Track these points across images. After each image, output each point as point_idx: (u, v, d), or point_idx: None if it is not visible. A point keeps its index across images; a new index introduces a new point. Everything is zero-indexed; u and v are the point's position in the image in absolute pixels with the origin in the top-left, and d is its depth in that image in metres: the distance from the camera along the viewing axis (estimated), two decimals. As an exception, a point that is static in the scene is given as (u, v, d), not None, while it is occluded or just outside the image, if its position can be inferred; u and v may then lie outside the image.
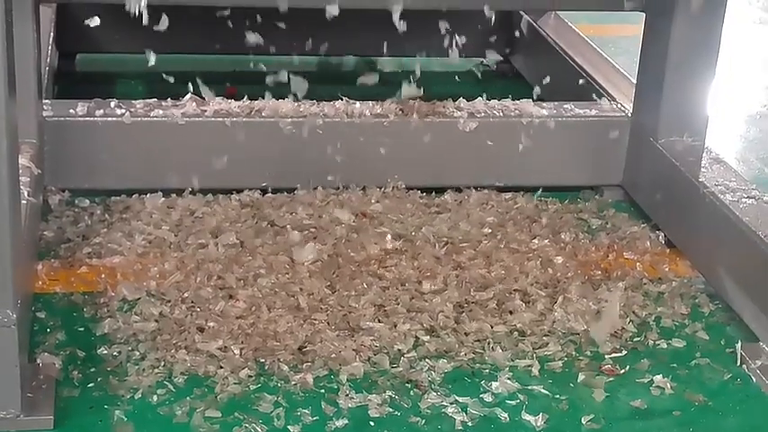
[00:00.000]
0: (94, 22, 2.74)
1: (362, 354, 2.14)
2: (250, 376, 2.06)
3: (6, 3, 1.76)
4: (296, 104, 2.76)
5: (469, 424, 1.99)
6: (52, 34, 3.21)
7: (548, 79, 3.10)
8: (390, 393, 2.04)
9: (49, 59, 3.01)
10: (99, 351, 2.11)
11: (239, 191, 2.73)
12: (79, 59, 3.53)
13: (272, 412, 1.97)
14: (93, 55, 3.56)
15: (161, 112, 2.69)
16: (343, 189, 2.76)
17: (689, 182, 2.57)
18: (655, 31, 2.75)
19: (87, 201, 2.67)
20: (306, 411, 1.98)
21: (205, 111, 2.71)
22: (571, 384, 2.12)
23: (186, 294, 2.30)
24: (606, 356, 2.21)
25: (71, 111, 2.66)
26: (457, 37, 3.46)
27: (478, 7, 2.73)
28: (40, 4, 2.57)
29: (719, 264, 2.43)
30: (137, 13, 2.46)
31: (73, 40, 3.45)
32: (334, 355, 2.13)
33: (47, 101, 2.70)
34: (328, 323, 2.23)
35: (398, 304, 2.30)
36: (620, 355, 2.22)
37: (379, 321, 2.25)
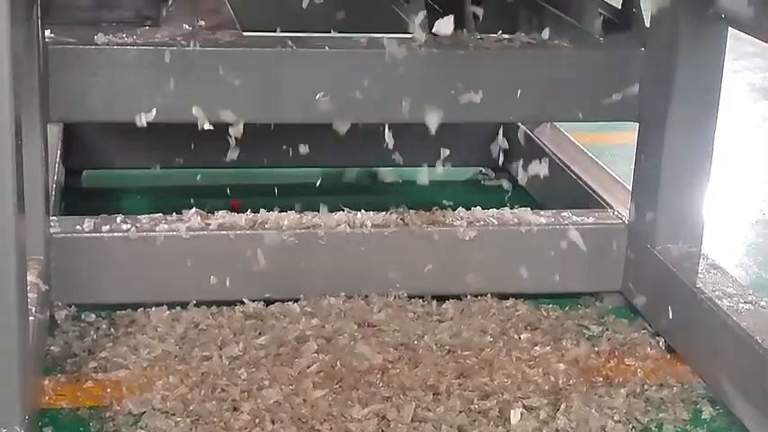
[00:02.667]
0: None
1: (367, 464, 2.16)
2: (255, 489, 2.07)
3: (17, 125, 1.82)
4: (299, 216, 2.81)
5: None
6: (59, 152, 3.28)
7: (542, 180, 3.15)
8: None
9: (56, 176, 3.07)
10: (105, 465, 2.13)
11: (243, 302, 2.77)
12: (86, 176, 3.59)
13: None
14: (100, 171, 3.62)
15: (166, 226, 2.74)
16: (346, 299, 2.80)
17: (686, 288, 2.60)
18: (648, 139, 2.81)
19: (93, 315, 2.70)
20: None
21: (209, 224, 2.76)
22: (574, 492, 2.13)
23: (191, 407, 2.31)
24: (609, 463, 2.22)
25: (78, 227, 2.71)
26: (455, 147, 3.53)
27: (474, 120, 2.80)
28: (48, 123, 2.63)
29: (719, 369, 2.45)
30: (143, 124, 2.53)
31: (79, 156, 3.51)
32: (338, 467, 2.14)
33: (54, 217, 2.75)
34: (332, 434, 2.24)
35: (401, 415, 2.32)
36: (622, 461, 2.23)
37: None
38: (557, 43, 2.85)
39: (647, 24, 2.82)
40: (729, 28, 2.58)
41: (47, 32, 2.61)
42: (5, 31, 1.73)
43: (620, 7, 2.99)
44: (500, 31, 2.88)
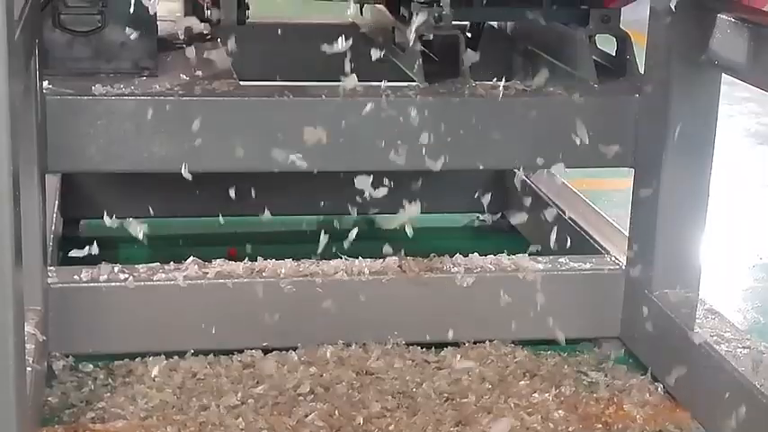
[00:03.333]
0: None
1: None
2: None
3: (14, 176, 1.83)
4: (296, 264, 2.82)
5: None
6: (57, 201, 3.28)
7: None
8: None
9: (54, 226, 3.07)
10: None
11: (241, 351, 2.76)
12: (83, 225, 3.59)
13: None
14: (97, 220, 3.62)
15: (163, 275, 2.74)
16: (344, 347, 2.79)
17: (684, 333, 2.60)
18: (644, 185, 2.82)
19: (91, 365, 2.69)
20: None
21: (207, 273, 2.76)
22: None
23: (189, 457, 2.31)
24: None
25: (75, 277, 2.71)
26: (452, 194, 3.55)
27: (470, 167, 2.81)
28: (46, 173, 2.63)
29: (718, 414, 2.45)
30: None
31: (77, 206, 3.52)
32: None
33: (52, 267, 2.75)
34: (331, 484, 2.24)
35: (400, 463, 2.32)
36: None
37: (382, 481, 2.26)
38: (552, 90, 2.86)
39: (642, 71, 2.85)
40: (723, 74, 2.60)
41: (45, 83, 2.62)
42: (4, 82, 1.74)
43: (614, 54, 3.01)
44: (495, 79, 2.90)
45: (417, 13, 2.83)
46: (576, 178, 3.69)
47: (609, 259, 3.00)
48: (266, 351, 2.77)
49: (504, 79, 2.88)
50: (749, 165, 4.92)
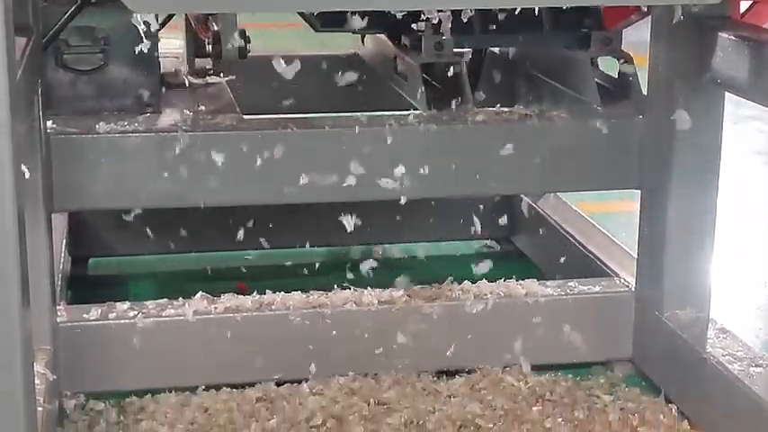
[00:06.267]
0: None
1: None
2: None
3: (20, 216, 1.83)
4: (305, 296, 2.81)
5: None
6: (64, 240, 3.29)
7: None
8: None
9: (61, 265, 3.07)
10: None
11: (252, 385, 2.75)
12: (91, 263, 3.60)
13: None
14: (105, 258, 3.63)
15: (172, 311, 2.74)
16: (355, 377, 2.78)
17: (696, 353, 2.59)
18: (651, 206, 2.81)
19: (102, 403, 2.68)
20: None
21: (216, 308, 2.76)
22: None
23: (202, 493, 2.30)
24: None
25: (84, 315, 2.71)
26: (459, 221, 3.55)
27: (476, 193, 2.81)
28: (52, 212, 2.64)
29: (733, 434, 2.43)
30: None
31: (84, 244, 3.52)
32: None
33: (60, 306, 2.75)
34: None
35: (415, 492, 2.30)
36: None
37: None
38: (555, 114, 2.86)
39: (645, 92, 2.85)
40: (727, 92, 2.60)
41: (48, 123, 2.63)
42: (7, 122, 1.74)
43: (617, 76, 3.01)
44: (498, 105, 2.90)
45: (421, 42, 2.84)
46: (583, 202, 3.68)
47: (618, 282, 2.99)
48: (278, 384, 2.77)
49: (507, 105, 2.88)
50: (757, 183, 4.91)
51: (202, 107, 2.85)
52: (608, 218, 3.79)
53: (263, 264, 3.55)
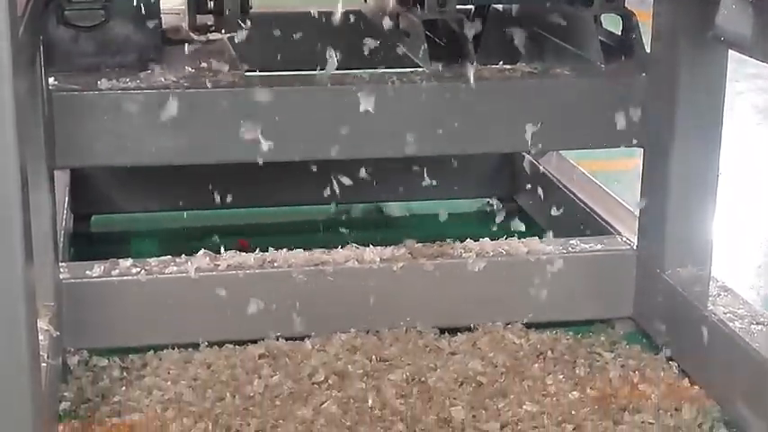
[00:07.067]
0: None
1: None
2: None
3: (22, 173, 1.83)
4: (307, 253, 2.82)
5: None
6: (67, 198, 3.29)
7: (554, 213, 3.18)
8: None
9: (64, 223, 3.08)
10: None
11: (254, 341, 2.77)
12: (94, 220, 3.60)
13: None
14: (108, 215, 3.63)
15: (175, 268, 2.75)
16: (357, 334, 2.80)
17: (697, 311, 2.60)
18: (653, 164, 2.81)
19: (105, 360, 2.70)
20: None
21: (218, 265, 2.76)
22: None
23: (205, 449, 2.32)
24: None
25: (87, 272, 2.72)
26: (461, 179, 3.54)
27: (478, 151, 2.80)
28: (54, 169, 2.64)
29: (734, 391, 2.44)
30: None
31: (87, 201, 3.53)
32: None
33: (63, 263, 2.75)
34: (347, 471, 2.24)
35: (416, 448, 2.32)
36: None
37: (398, 467, 2.26)
38: (558, 72, 2.86)
39: (648, 50, 2.83)
40: (730, 50, 2.59)
41: (50, 80, 2.63)
42: (9, 79, 1.74)
43: (620, 34, 3.00)
44: (501, 62, 2.89)
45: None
46: (585, 160, 3.68)
47: (620, 240, 2.99)
48: (281, 339, 2.78)
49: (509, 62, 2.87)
50: (759, 141, 4.91)
51: (204, 64, 2.84)
52: (610, 176, 3.79)
53: (265, 221, 3.56)
